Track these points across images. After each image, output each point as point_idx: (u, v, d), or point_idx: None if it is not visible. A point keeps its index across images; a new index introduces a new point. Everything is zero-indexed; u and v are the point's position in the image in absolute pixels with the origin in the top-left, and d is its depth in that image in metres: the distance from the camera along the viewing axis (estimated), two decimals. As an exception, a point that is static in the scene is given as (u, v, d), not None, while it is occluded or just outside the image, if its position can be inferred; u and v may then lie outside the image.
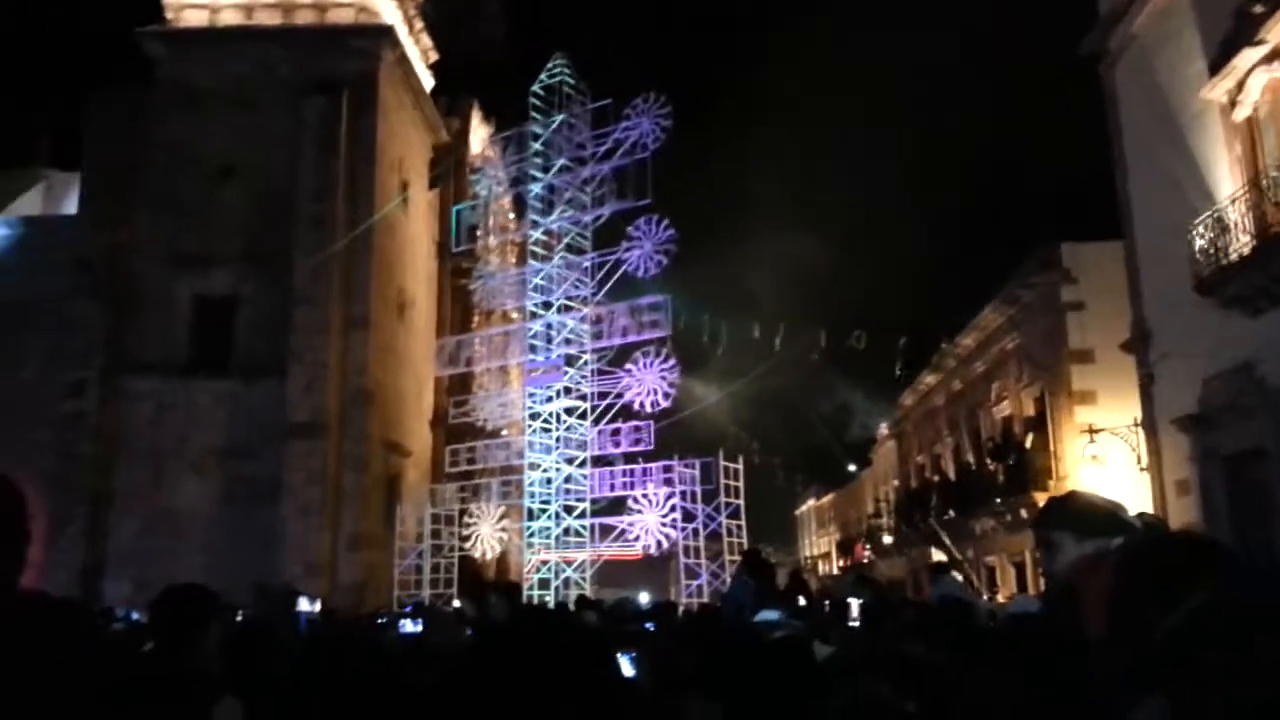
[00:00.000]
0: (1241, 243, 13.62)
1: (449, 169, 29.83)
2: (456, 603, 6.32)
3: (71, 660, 1.95)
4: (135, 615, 12.31)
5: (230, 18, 27.61)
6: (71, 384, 24.65)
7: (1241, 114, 14.46)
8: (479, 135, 32.46)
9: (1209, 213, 14.38)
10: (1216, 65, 14.66)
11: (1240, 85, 14.32)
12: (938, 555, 13.79)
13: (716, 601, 12.97)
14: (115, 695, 2.44)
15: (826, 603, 8.27)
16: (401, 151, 29.02)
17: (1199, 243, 14.51)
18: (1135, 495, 17.61)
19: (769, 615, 6.28)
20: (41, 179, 35.32)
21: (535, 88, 20.87)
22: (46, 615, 2.07)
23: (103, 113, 26.33)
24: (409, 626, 4.50)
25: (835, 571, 48.28)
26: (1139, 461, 18.08)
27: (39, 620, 2.07)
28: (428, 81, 32.47)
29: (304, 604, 4.78)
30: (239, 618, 10.15)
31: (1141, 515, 3.23)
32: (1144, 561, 1.75)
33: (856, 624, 5.80)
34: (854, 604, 6.03)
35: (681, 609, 13.91)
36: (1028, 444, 21.26)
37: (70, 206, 29.03)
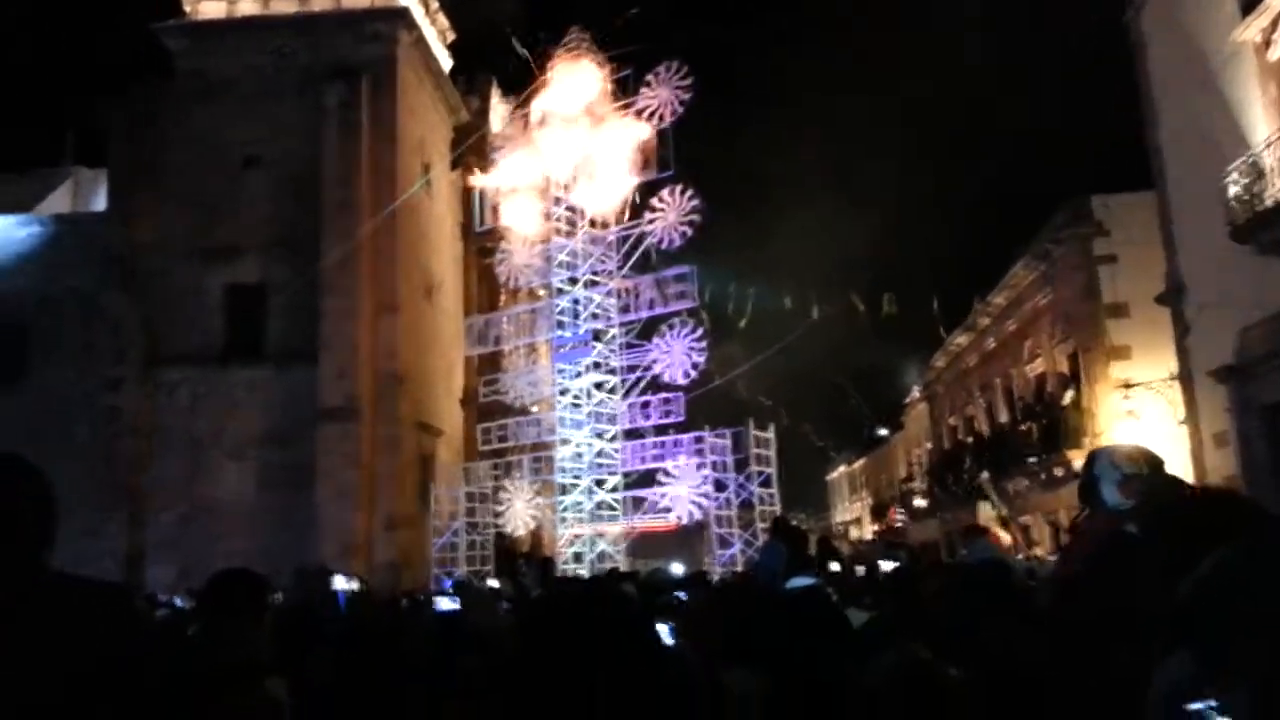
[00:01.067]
0: (1277, 188, 13.31)
1: (470, 148, 29.79)
2: (493, 581, 6.35)
3: (112, 640, 1.96)
4: (179, 601, 12.53)
5: (248, 8, 27.70)
6: (108, 379, 25.02)
7: (1276, 54, 14.10)
8: (499, 113, 32.37)
9: (1243, 158, 14.06)
10: (1249, 4, 14.28)
11: (1275, 24, 13.95)
12: (984, 511, 13.75)
13: (749, 569, 12.97)
14: (161, 680, 2.47)
15: (859, 568, 8.24)
16: (422, 133, 29.04)
17: (1233, 189, 14.20)
18: (1173, 449, 17.39)
19: (801, 581, 6.26)
20: (69, 177, 35.68)
21: (553, 62, 20.75)
22: (86, 595, 2.08)
23: (126, 109, 26.55)
24: (446, 604, 4.51)
25: (868, 536, 48.22)
26: (1176, 415, 17.84)
27: (78, 600, 2.08)
28: (446, 62, 32.42)
29: (340, 582, 4.80)
30: (278, 599, 10.32)
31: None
32: (1174, 517, 1.72)
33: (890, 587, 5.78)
34: (885, 566, 6.02)
35: (716, 578, 13.96)
36: (1065, 400, 21.03)
37: (99, 203, 29.35)
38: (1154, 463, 3.15)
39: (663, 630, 3.39)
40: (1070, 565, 2.90)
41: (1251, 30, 14.30)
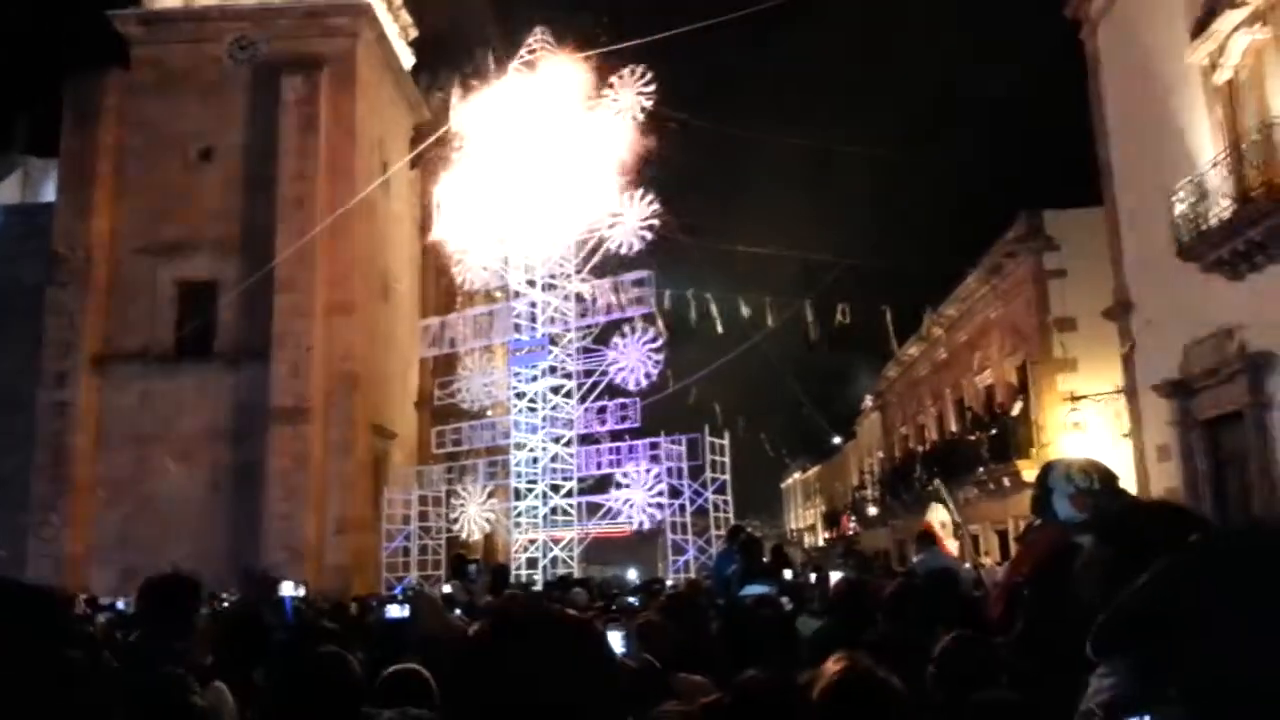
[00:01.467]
0: (1222, 207, 13.65)
1: (431, 147, 29.61)
2: (446, 587, 6.31)
3: (36, 651, 1.88)
4: (121, 605, 12.29)
5: (206, -2, 27.26)
6: (54, 373, 24.46)
7: (1222, 77, 14.46)
8: (460, 112, 32.18)
9: (1190, 177, 14.41)
10: (1198, 28, 14.64)
11: (1221, 48, 14.31)
12: (935, 515, 13.87)
13: (702, 576, 13.02)
14: (88, 688, 2.41)
15: (813, 575, 8.32)
16: (382, 131, 28.79)
17: (1180, 208, 14.55)
18: (1117, 461, 17.74)
19: (755, 589, 6.32)
20: (19, 166, 34.88)
21: (516, 62, 20.69)
22: (11, 603, 1.99)
23: (79, 98, 25.95)
24: (395, 611, 4.47)
25: (821, 543, 48.58)
26: (1120, 428, 18.21)
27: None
28: (407, 59, 32.18)
29: (288, 588, 4.74)
30: (224, 603, 10.16)
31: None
32: (1119, 525, 1.76)
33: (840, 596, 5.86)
34: (835, 576, 6.09)
35: (670, 583, 13.98)
36: (1015, 411, 21.38)
37: (49, 194, 28.71)
38: (1107, 476, 3.20)
39: (615, 638, 3.39)
40: (1017, 573, 2.95)
41: (1200, 54, 14.66)
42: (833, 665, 2.71)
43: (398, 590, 17.82)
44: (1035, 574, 2.82)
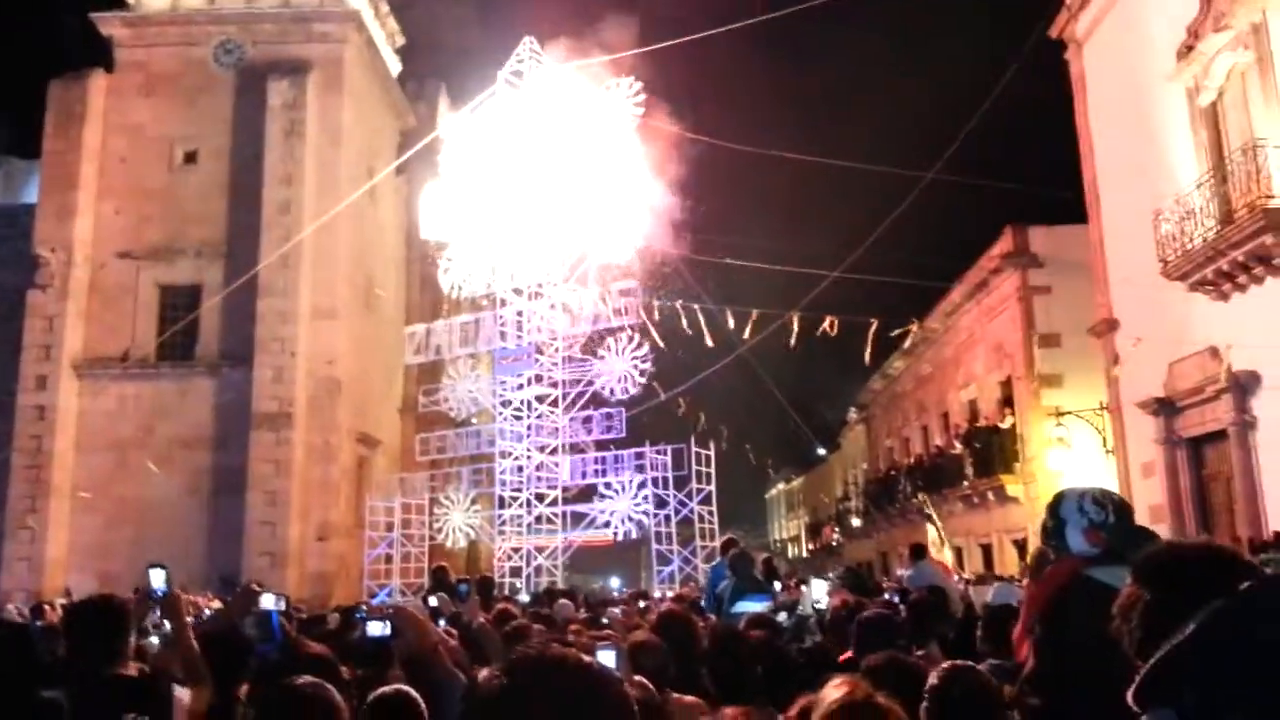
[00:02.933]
0: (1206, 227, 13.75)
1: (417, 155, 29.52)
2: (433, 600, 6.25)
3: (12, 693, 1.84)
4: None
5: (193, 1, 27.12)
6: (34, 376, 24.21)
7: (1206, 99, 14.59)
8: (447, 119, 32.12)
9: (1174, 198, 14.51)
10: (1182, 51, 14.76)
11: (1205, 70, 14.44)
12: (930, 534, 13.99)
13: (690, 589, 13.00)
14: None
15: (800, 586, 8.29)
16: (368, 137, 28.71)
17: (1165, 227, 14.65)
18: (1101, 478, 17.83)
19: (749, 605, 6.29)
20: (1, 168, 34.56)
21: (504, 72, 20.65)
22: None
23: (62, 100, 25.74)
24: (376, 629, 4.39)
25: (804, 554, 48.63)
26: (1105, 444, 18.29)
27: None
28: (394, 66, 32.12)
29: (268, 601, 4.64)
30: (206, 613, 10.04)
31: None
32: (1160, 570, 1.73)
33: (820, 605, 5.80)
34: (817, 586, 6.04)
35: (657, 594, 13.94)
36: (1003, 424, 21.46)
37: (30, 195, 28.43)
38: (1121, 508, 3.13)
39: (608, 658, 3.34)
40: (1033, 610, 2.89)
41: (1185, 75, 14.78)
42: (833, 691, 2.68)
43: (378, 599, 17.70)
44: (1048, 610, 2.78)
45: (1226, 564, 1.71)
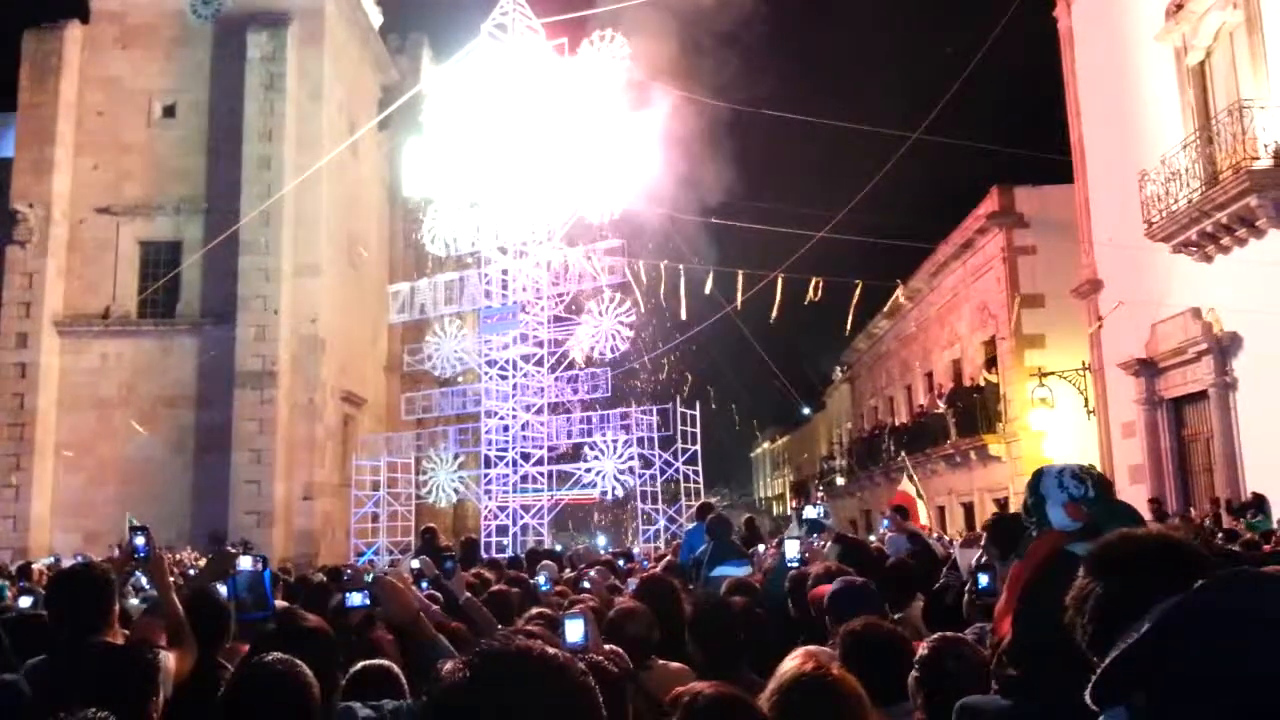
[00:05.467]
0: (1191, 189, 13.75)
1: (399, 110, 29.15)
2: (415, 562, 6.26)
3: None
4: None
5: (169, -51, 26.50)
6: (15, 334, 23.98)
7: (1194, 59, 14.53)
8: (429, 74, 31.67)
9: (1160, 159, 14.49)
10: (1171, 9, 14.66)
11: (1194, 29, 14.36)
12: (906, 486, 14.13)
13: (674, 546, 13.07)
14: None
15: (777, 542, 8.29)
16: (349, 91, 28.32)
17: (1150, 188, 14.64)
18: (1082, 437, 18.00)
19: (727, 570, 6.32)
20: (-27, 119, 33.93)
21: (488, 25, 20.33)
22: None
23: (37, 52, 25.21)
24: (356, 599, 4.38)
25: (788, 512, 48.97)
26: (1087, 404, 18.43)
27: None
28: (376, 18, 31.59)
29: (245, 563, 4.61)
30: (191, 571, 10.06)
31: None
32: (1113, 562, 1.72)
33: (794, 564, 5.80)
34: (790, 545, 6.03)
35: (637, 553, 14.03)
36: (983, 381, 21.57)
37: (7, 150, 27.96)
38: (1101, 483, 3.13)
39: (575, 626, 3.33)
40: (1015, 588, 2.90)
41: (1173, 34, 14.70)
42: (789, 663, 2.70)
43: (365, 558, 17.77)
44: (1028, 585, 2.80)
45: (1181, 558, 1.70)
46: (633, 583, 5.78)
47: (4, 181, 24.96)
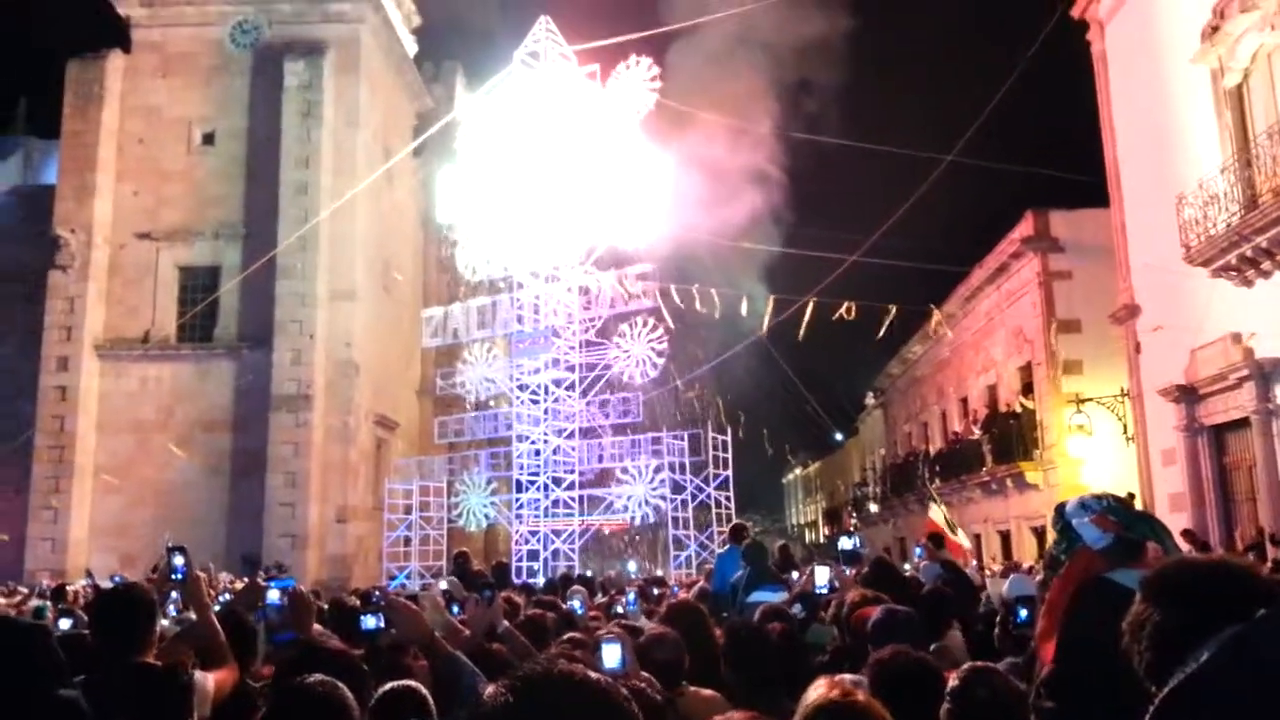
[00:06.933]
0: (1230, 212, 13.56)
1: (434, 137, 29.49)
2: (443, 584, 6.24)
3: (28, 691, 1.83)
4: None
5: (210, -19, 27.07)
6: (56, 357, 24.40)
7: (1231, 81, 14.36)
8: (463, 101, 32.02)
9: (1197, 182, 14.31)
10: (1207, 31, 14.53)
11: (1231, 51, 14.20)
12: (934, 514, 13.94)
13: (706, 572, 12.99)
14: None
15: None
16: (384, 119, 28.69)
17: (1187, 212, 14.46)
18: (1121, 465, 17.71)
19: (764, 596, 6.26)
20: (20, 147, 34.76)
21: (521, 53, 20.54)
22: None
23: (81, 80, 25.81)
24: (370, 622, 4.37)
25: (821, 539, 48.57)
26: (1125, 431, 18.15)
27: None
28: (411, 47, 32.03)
29: (274, 596, 4.63)
30: (226, 594, 10.11)
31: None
32: (1170, 589, 1.67)
33: (824, 590, 5.82)
34: (820, 572, 6.02)
35: (671, 582, 13.94)
36: (1019, 407, 21.33)
37: (50, 175, 28.62)
38: (1119, 498, 3.20)
39: (612, 652, 3.30)
40: (1054, 613, 2.86)
41: (1210, 57, 14.55)
42: (813, 692, 2.66)
43: (397, 582, 17.80)
44: (1069, 613, 2.75)
45: (1242, 584, 1.64)
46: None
47: (47, 207, 25.49)
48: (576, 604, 6.76)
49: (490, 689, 1.35)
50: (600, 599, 9.28)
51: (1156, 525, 3.13)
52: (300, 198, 24.66)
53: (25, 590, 13.40)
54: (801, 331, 18.65)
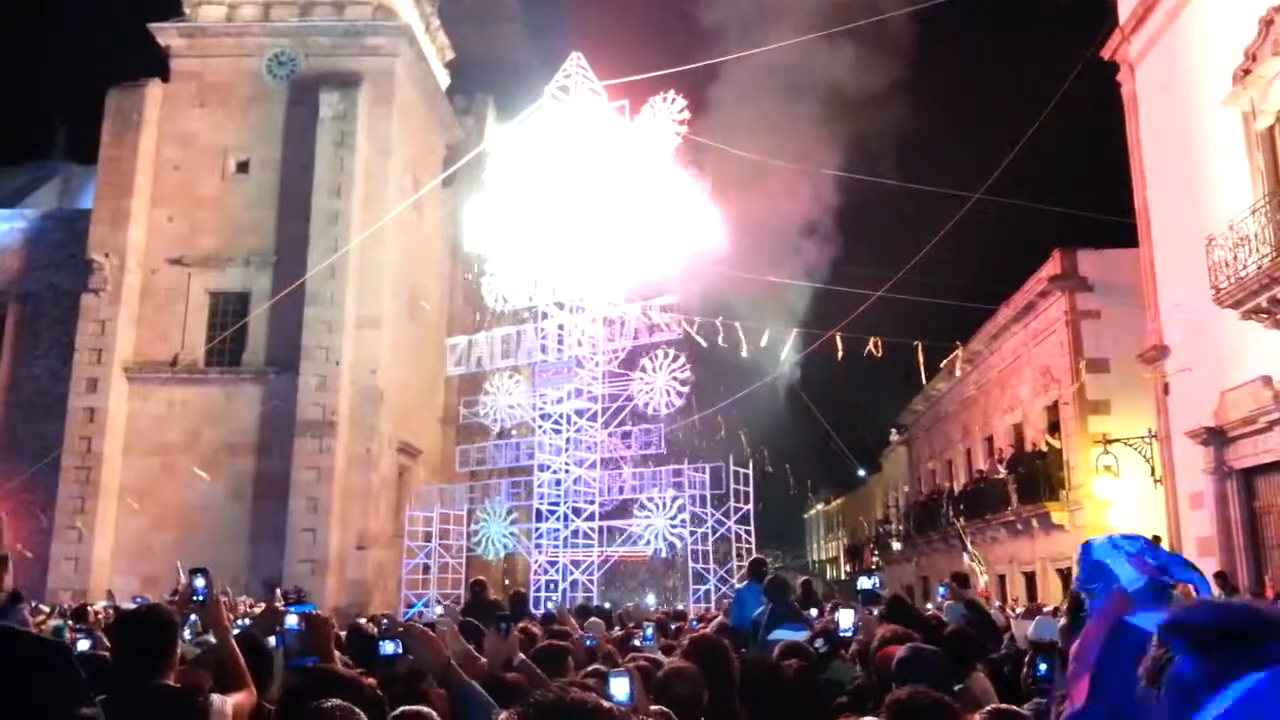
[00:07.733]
0: (1261, 254, 13.44)
1: (463, 169, 29.81)
2: (438, 609, 6.22)
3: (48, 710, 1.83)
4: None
5: (248, 13, 27.67)
6: (85, 379, 24.71)
7: (1263, 123, 14.29)
8: (493, 133, 32.37)
9: (1227, 223, 14.21)
10: (1239, 74, 14.48)
11: (1263, 94, 14.15)
12: (967, 561, 13.80)
13: (726, 607, 12.88)
14: None
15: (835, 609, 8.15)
16: (416, 149, 29.04)
17: (1217, 253, 14.34)
18: (1149, 507, 17.47)
19: (785, 634, 6.20)
20: (58, 173, 35.44)
21: (551, 87, 20.77)
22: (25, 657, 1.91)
23: (119, 108, 26.34)
24: (388, 647, 4.38)
25: (843, 576, 48.12)
26: (1153, 473, 17.92)
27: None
28: (443, 80, 32.49)
29: (292, 622, 4.64)
30: (245, 618, 10.13)
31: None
32: (1195, 631, 1.63)
33: (846, 633, 5.76)
34: (845, 618, 5.95)
35: (692, 616, 13.82)
36: (1045, 447, 21.10)
37: (87, 200, 29.12)
38: (1148, 539, 3.09)
39: (621, 685, 3.27)
40: (1084, 654, 2.79)
41: (1242, 99, 14.50)
42: None
43: (414, 610, 17.77)
44: (1101, 654, 2.69)
45: (1267, 629, 1.59)
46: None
47: (82, 232, 25.93)
48: (590, 639, 6.72)
49: (504, 715, 1.35)
50: (617, 631, 9.22)
51: (1192, 569, 3.04)
52: (331, 226, 24.96)
53: (46, 609, 13.50)
54: (837, 361, 18.59)
